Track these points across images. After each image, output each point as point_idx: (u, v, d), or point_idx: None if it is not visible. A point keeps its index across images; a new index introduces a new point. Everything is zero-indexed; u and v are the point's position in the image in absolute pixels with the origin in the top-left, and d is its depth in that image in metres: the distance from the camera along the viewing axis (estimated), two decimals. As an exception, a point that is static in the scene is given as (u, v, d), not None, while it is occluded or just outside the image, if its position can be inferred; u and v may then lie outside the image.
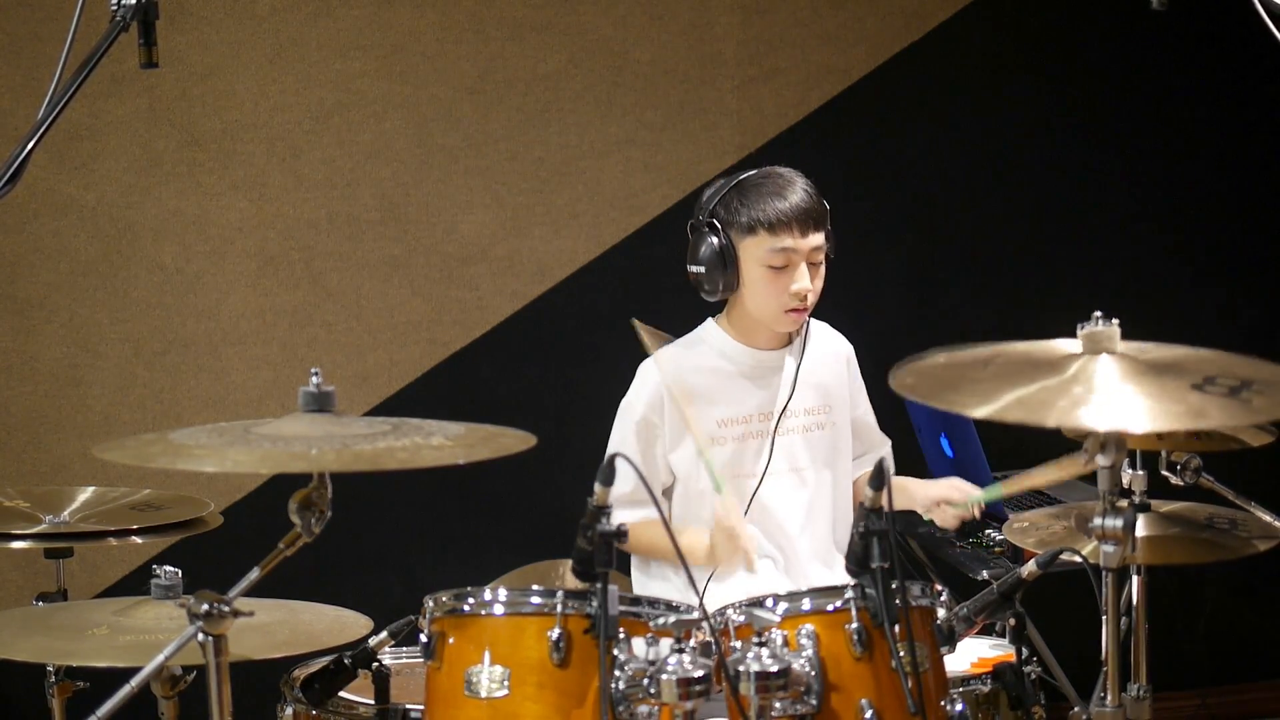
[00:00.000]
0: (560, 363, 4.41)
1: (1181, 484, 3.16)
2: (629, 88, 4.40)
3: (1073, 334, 2.46)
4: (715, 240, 3.14)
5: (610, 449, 3.14)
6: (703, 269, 3.16)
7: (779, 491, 3.22)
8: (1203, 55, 4.70)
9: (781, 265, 3.12)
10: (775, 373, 3.24)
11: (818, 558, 3.24)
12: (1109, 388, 2.33)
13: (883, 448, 3.42)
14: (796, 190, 3.13)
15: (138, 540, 2.97)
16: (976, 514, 3.26)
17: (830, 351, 3.31)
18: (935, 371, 2.43)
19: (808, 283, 3.13)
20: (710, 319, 3.27)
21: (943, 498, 3.24)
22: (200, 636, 2.15)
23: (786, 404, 3.22)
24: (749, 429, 3.21)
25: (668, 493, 3.23)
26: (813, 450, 3.25)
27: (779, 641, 2.41)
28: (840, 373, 3.33)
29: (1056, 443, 3.13)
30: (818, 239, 3.13)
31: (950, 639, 2.55)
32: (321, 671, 2.70)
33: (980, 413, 2.33)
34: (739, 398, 3.21)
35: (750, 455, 3.21)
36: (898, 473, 2.41)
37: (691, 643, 2.36)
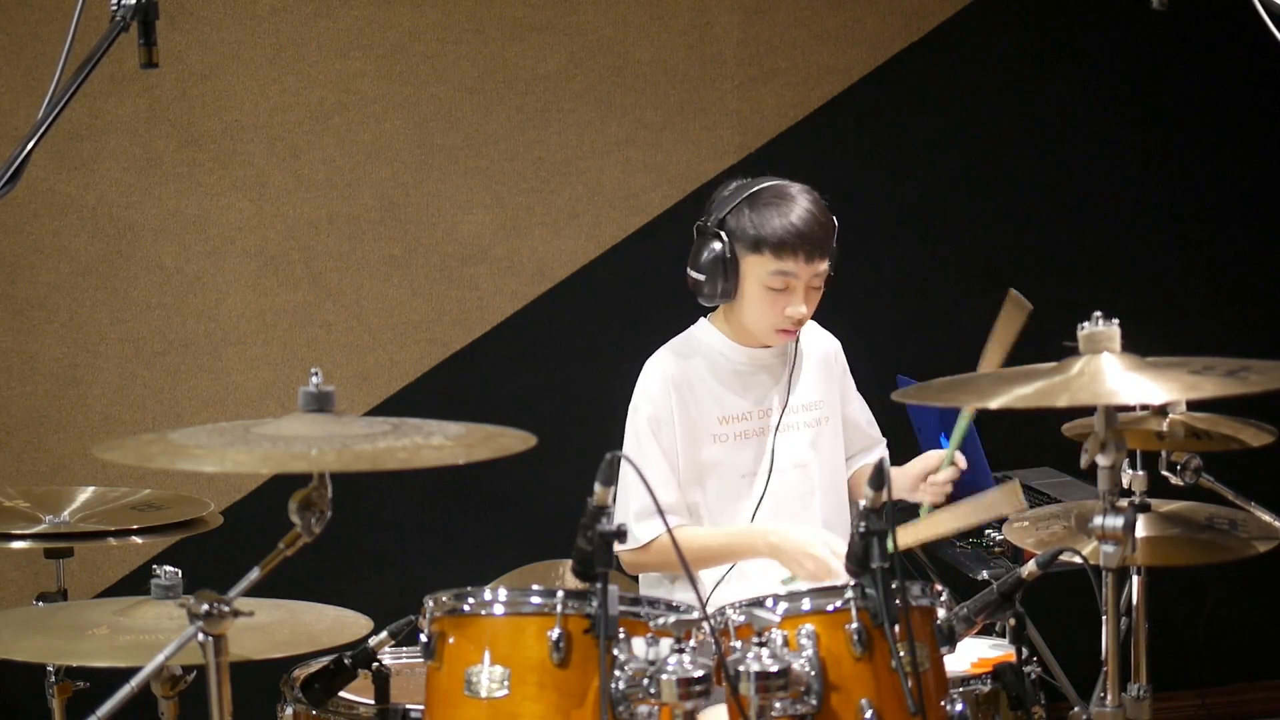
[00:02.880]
0: (560, 363, 4.41)
1: (1182, 484, 3.16)
2: (629, 88, 4.40)
3: (1073, 334, 2.47)
4: (720, 249, 3.13)
5: (627, 450, 3.15)
6: (703, 276, 3.15)
7: (784, 488, 3.22)
8: (1203, 55, 4.70)
9: (781, 288, 3.12)
10: (769, 371, 3.25)
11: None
12: (1113, 374, 2.36)
13: (878, 448, 3.42)
14: (808, 215, 3.12)
15: (138, 540, 2.97)
16: (961, 464, 3.21)
17: (819, 349, 3.32)
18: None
19: (803, 308, 3.13)
20: (703, 318, 3.27)
21: (922, 470, 3.21)
22: (200, 636, 2.15)
23: (787, 401, 3.23)
24: (748, 427, 3.22)
25: (691, 487, 3.22)
26: (812, 447, 3.26)
27: (779, 641, 2.41)
28: (830, 369, 3.34)
29: (1057, 443, 3.15)
30: (821, 266, 3.13)
31: (950, 639, 2.55)
32: (321, 671, 2.70)
33: (994, 404, 2.35)
34: (737, 396, 3.22)
35: (752, 453, 3.22)
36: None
37: (691, 643, 2.37)
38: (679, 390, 3.17)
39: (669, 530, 2.63)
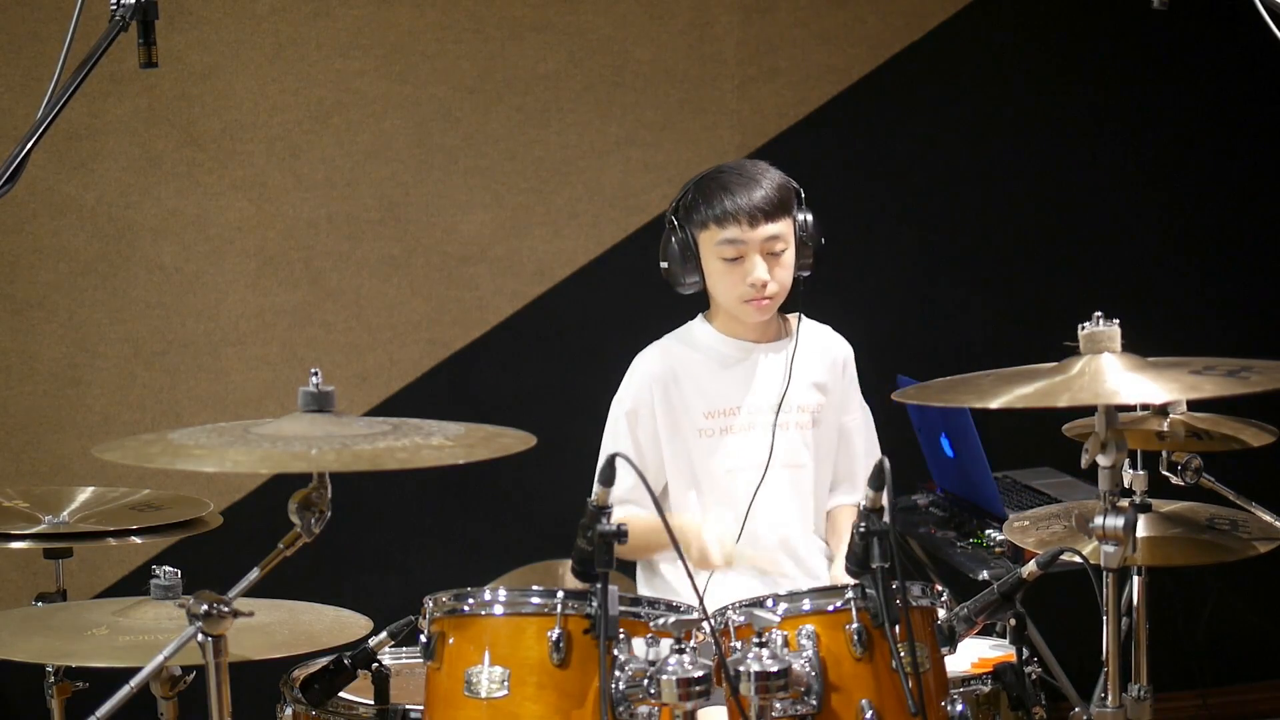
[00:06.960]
0: (560, 363, 4.41)
1: (1182, 484, 3.16)
2: (629, 88, 4.39)
3: (1073, 334, 2.47)
4: (677, 236, 3.16)
5: (604, 443, 3.17)
6: (668, 264, 3.18)
7: (775, 486, 3.20)
8: (1203, 55, 4.70)
9: (733, 256, 3.12)
10: (760, 366, 3.23)
11: (809, 554, 3.24)
12: (1114, 374, 2.36)
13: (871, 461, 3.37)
14: (751, 182, 3.12)
15: (137, 540, 2.97)
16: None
17: (824, 351, 3.30)
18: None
19: (762, 273, 3.11)
20: (700, 315, 3.28)
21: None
22: (200, 637, 2.15)
23: (783, 398, 3.21)
24: (735, 421, 3.20)
25: (684, 483, 3.21)
26: (806, 448, 3.24)
27: (779, 642, 2.41)
28: (836, 374, 3.31)
29: (1056, 443, 3.15)
30: (772, 229, 3.11)
31: (951, 639, 2.55)
32: (321, 672, 2.70)
33: (994, 404, 2.35)
34: (724, 390, 3.21)
35: (741, 449, 3.20)
36: (897, 473, 2.41)
37: (692, 643, 2.36)
38: (663, 385, 3.18)
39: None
